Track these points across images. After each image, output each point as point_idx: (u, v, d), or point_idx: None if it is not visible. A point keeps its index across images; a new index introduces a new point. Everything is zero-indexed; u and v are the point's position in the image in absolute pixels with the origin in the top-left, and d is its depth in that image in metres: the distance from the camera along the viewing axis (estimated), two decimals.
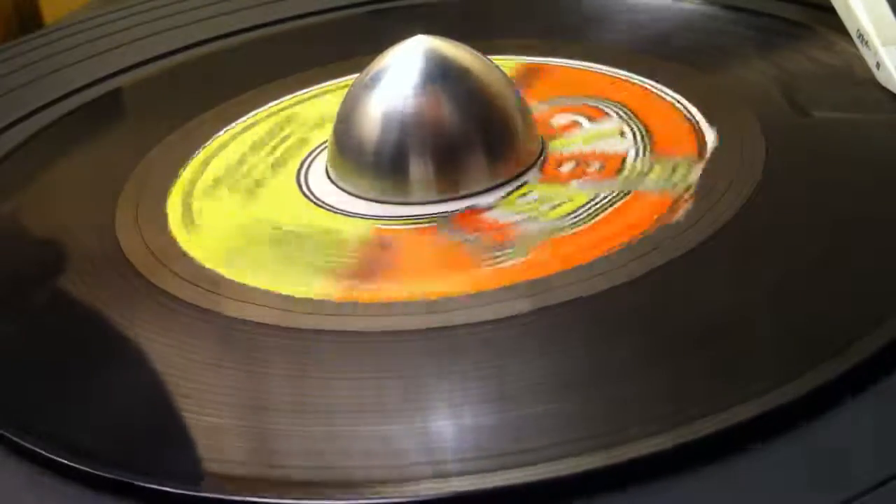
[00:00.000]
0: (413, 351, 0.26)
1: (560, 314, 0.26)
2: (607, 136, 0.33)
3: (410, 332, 0.27)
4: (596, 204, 0.30)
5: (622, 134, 0.33)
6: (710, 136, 0.32)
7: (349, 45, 0.42)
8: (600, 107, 0.35)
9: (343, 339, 0.27)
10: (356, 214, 0.32)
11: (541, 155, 0.33)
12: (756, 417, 0.22)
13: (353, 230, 0.31)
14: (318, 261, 0.30)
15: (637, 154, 0.32)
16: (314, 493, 0.22)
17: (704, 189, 0.30)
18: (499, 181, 0.32)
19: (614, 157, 0.32)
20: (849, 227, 0.28)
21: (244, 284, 0.29)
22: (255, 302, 0.28)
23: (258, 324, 0.27)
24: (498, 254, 0.29)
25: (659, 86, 0.36)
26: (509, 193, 0.31)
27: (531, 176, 0.32)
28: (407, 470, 0.23)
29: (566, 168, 0.32)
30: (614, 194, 0.31)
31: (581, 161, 0.32)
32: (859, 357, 0.23)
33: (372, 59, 0.33)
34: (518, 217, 0.30)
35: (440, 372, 0.25)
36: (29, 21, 0.64)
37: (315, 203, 0.33)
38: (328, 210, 0.32)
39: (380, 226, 0.31)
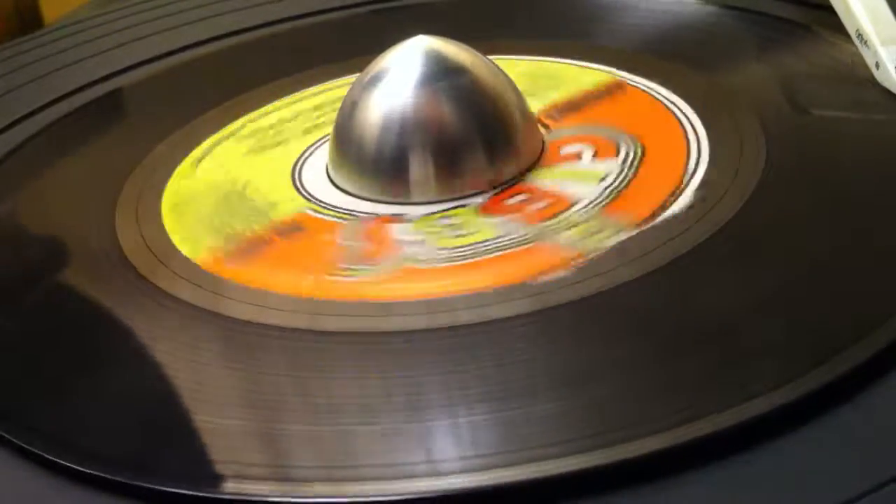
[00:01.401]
0: (413, 351, 0.26)
1: (560, 314, 0.26)
2: (586, 178, 0.32)
3: (410, 332, 0.27)
4: (491, 245, 0.29)
5: (602, 179, 0.31)
6: (688, 193, 0.30)
7: (349, 45, 0.42)
8: (618, 142, 0.33)
9: (343, 339, 0.27)
10: (306, 194, 0.33)
11: (518, 177, 0.32)
12: (756, 417, 0.22)
13: (285, 208, 0.32)
14: (230, 227, 0.31)
15: (588, 204, 0.30)
16: (315, 492, 0.22)
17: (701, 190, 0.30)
18: (493, 185, 0.32)
19: (564, 201, 0.31)
20: (849, 226, 0.28)
21: (245, 285, 0.29)
22: (255, 302, 0.28)
23: (259, 324, 0.27)
24: (353, 268, 0.29)
25: (659, 86, 0.36)
26: (438, 212, 0.31)
27: (479, 199, 0.31)
28: (407, 469, 0.23)
29: (514, 200, 0.31)
30: (516, 239, 0.29)
31: (533, 197, 0.31)
32: (859, 357, 0.23)
33: (372, 59, 0.33)
34: (412, 237, 0.30)
35: (440, 371, 0.25)
36: (29, 21, 0.64)
37: (292, 177, 0.34)
38: (295, 186, 0.33)
39: (307, 211, 0.32)
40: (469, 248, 0.29)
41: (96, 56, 0.46)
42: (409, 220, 0.31)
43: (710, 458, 0.22)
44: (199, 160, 0.36)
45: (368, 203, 0.32)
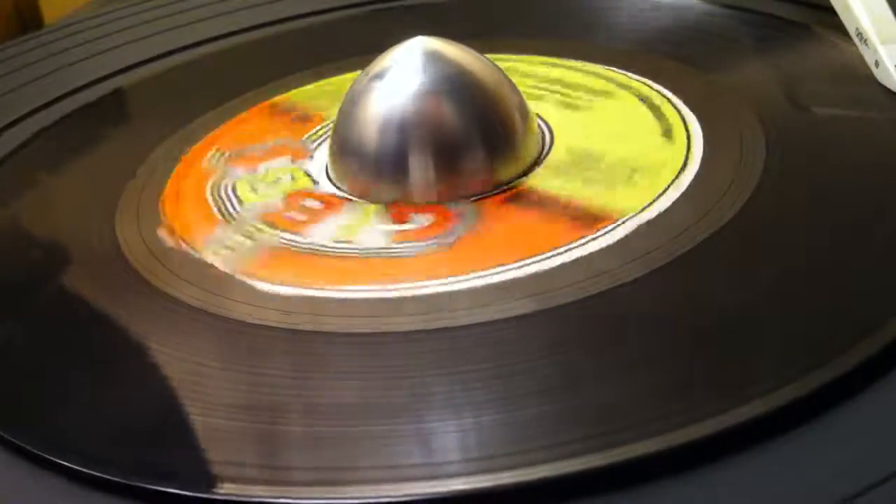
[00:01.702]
0: (413, 351, 0.26)
1: (560, 314, 0.26)
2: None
3: (411, 332, 0.27)
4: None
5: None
6: (687, 193, 0.30)
7: (349, 45, 0.42)
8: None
9: (343, 339, 0.27)
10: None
11: (515, 179, 0.32)
12: (756, 417, 0.22)
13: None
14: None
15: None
16: (315, 492, 0.22)
17: (701, 190, 0.30)
18: (492, 185, 0.32)
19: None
20: (849, 226, 0.28)
21: (246, 285, 0.29)
22: (256, 303, 0.28)
23: (260, 324, 0.27)
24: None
25: (659, 86, 0.36)
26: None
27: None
28: (407, 470, 0.23)
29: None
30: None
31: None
32: (859, 357, 0.23)
33: (372, 59, 0.33)
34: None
35: (441, 372, 0.25)
36: (29, 21, 0.64)
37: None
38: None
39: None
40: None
41: (96, 56, 0.46)
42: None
43: (709, 458, 0.22)
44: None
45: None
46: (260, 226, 0.32)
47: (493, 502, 0.22)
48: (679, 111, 0.34)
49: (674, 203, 0.30)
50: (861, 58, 0.35)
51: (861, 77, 0.35)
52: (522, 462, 0.22)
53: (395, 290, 0.28)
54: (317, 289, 0.28)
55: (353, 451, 0.23)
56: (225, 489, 0.23)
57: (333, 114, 0.34)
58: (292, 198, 0.33)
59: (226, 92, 0.40)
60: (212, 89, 0.41)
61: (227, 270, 0.30)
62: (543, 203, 0.31)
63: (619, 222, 0.29)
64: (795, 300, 0.26)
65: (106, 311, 0.29)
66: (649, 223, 0.29)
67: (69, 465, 0.24)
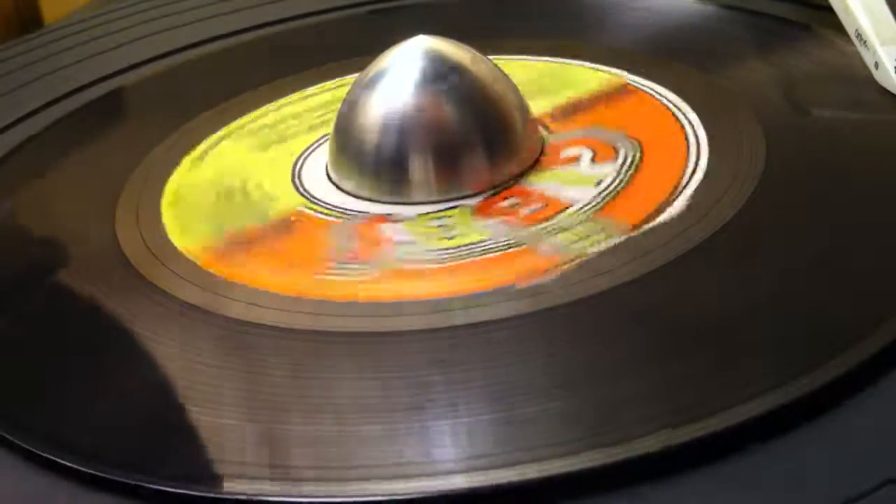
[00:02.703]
0: (413, 351, 0.26)
1: (559, 314, 0.26)
2: (582, 182, 0.32)
3: (411, 332, 0.27)
4: (480, 246, 0.29)
5: (598, 183, 0.31)
6: (687, 194, 0.30)
7: (349, 45, 0.42)
8: (617, 146, 0.33)
9: (343, 339, 0.27)
10: (303, 192, 0.33)
11: (517, 178, 0.32)
12: (756, 417, 0.22)
13: (283, 205, 0.32)
14: (230, 220, 0.32)
15: (582, 208, 0.30)
16: (314, 492, 0.22)
17: (701, 190, 0.30)
18: (492, 185, 0.32)
19: (558, 204, 0.31)
20: (849, 226, 0.28)
21: (246, 285, 0.29)
22: (255, 302, 0.28)
23: (259, 324, 0.27)
24: (347, 267, 0.29)
25: (659, 86, 0.36)
26: (433, 212, 0.31)
27: (473, 201, 0.31)
28: (406, 469, 0.23)
29: (506, 203, 0.31)
30: (506, 242, 0.29)
31: (525, 200, 0.31)
32: (859, 357, 0.23)
33: (372, 59, 0.34)
34: (404, 237, 0.30)
35: (440, 371, 0.25)
36: (29, 21, 0.64)
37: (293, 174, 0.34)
38: (294, 183, 0.34)
39: (304, 209, 0.32)
40: (456, 250, 0.29)
41: (96, 56, 0.46)
42: (401, 220, 0.31)
43: (709, 458, 0.22)
44: (202, 157, 0.36)
45: (367, 202, 0.32)
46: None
47: (493, 501, 0.22)
48: (679, 111, 0.34)
49: (674, 203, 0.30)
50: (861, 59, 0.35)
51: (860, 78, 0.35)
52: (522, 461, 0.22)
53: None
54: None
55: (352, 451, 0.23)
56: (225, 488, 0.23)
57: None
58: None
59: (225, 92, 0.40)
60: (211, 89, 0.41)
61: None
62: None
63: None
64: (795, 300, 0.26)
65: (105, 311, 0.29)
66: (649, 223, 0.29)
67: (68, 463, 0.24)
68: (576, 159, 0.33)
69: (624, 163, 0.32)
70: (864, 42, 0.35)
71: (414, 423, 0.24)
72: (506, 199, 0.31)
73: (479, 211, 0.31)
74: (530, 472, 0.22)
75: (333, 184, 0.33)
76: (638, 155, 0.32)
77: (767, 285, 0.27)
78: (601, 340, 0.26)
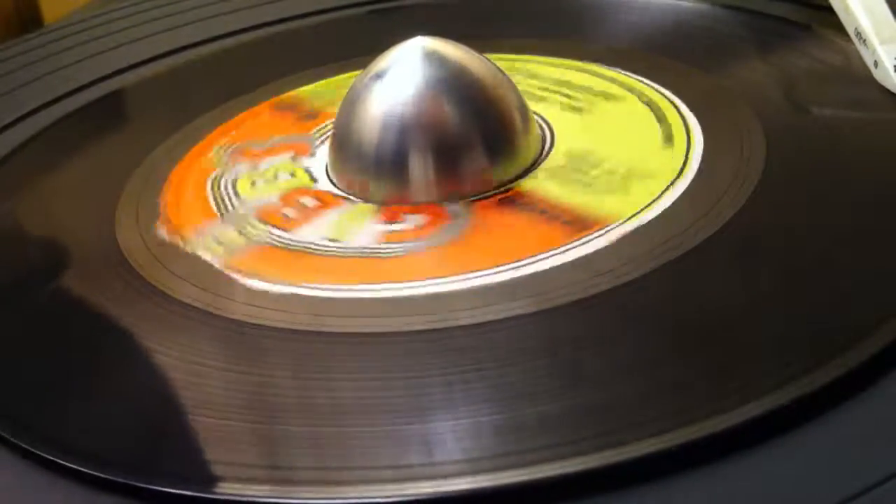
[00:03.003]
0: (413, 351, 0.26)
1: (560, 314, 0.26)
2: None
3: (411, 332, 0.27)
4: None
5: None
6: (687, 193, 0.30)
7: (349, 45, 0.42)
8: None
9: (343, 339, 0.27)
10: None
11: (514, 181, 0.32)
12: (756, 417, 0.22)
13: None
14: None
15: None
16: (315, 492, 0.22)
17: (701, 190, 0.30)
18: (494, 184, 0.32)
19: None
20: (849, 226, 0.28)
21: (245, 284, 0.29)
22: (255, 303, 0.28)
23: (259, 324, 0.27)
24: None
25: (659, 86, 0.36)
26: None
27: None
28: (406, 470, 0.23)
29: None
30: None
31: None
32: (859, 357, 0.23)
33: (372, 59, 0.34)
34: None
35: (440, 372, 0.25)
36: (29, 21, 0.64)
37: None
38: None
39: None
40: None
41: (96, 56, 0.46)
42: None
43: (709, 458, 0.22)
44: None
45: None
46: (253, 222, 0.32)
47: (493, 502, 0.22)
48: (679, 111, 0.34)
49: (674, 203, 0.30)
50: (860, 58, 0.35)
51: (860, 77, 0.35)
52: (522, 462, 0.22)
53: (378, 290, 0.28)
54: (300, 286, 0.29)
55: (352, 451, 0.23)
56: (225, 489, 0.23)
57: (334, 109, 0.35)
58: (290, 195, 0.33)
59: (226, 92, 0.40)
60: (212, 89, 0.41)
61: (218, 266, 0.30)
62: (536, 206, 0.31)
63: (608, 228, 0.29)
64: (795, 300, 0.26)
65: (105, 311, 0.29)
66: (649, 223, 0.29)
67: (68, 464, 0.24)
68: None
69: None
70: (864, 41, 0.35)
71: (414, 425, 0.24)
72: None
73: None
74: (531, 473, 0.22)
75: (334, 183, 0.33)
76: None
77: (767, 285, 0.27)
78: (601, 341, 0.26)
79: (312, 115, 0.38)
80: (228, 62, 0.44)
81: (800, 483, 0.21)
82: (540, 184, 0.32)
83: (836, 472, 0.21)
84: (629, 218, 0.29)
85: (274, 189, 0.33)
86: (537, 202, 0.31)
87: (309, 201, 0.32)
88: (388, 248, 0.30)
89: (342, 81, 0.39)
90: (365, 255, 0.30)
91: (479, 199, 0.31)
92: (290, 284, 0.29)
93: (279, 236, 0.31)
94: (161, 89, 0.43)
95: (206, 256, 0.30)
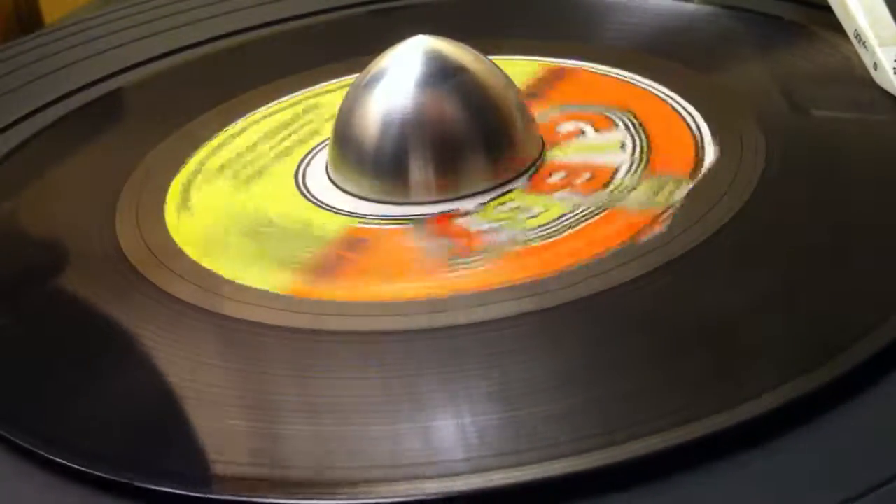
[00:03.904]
0: (414, 351, 0.26)
1: (560, 314, 0.26)
2: (606, 148, 0.33)
3: (411, 332, 0.27)
4: (572, 217, 0.30)
5: (622, 146, 0.33)
6: (710, 155, 0.32)
7: (349, 45, 0.42)
8: (609, 115, 0.35)
9: (343, 339, 0.27)
10: (338, 210, 0.32)
11: (539, 159, 0.33)
12: (756, 417, 0.22)
13: (330, 226, 0.31)
14: (283, 254, 0.30)
15: (630, 169, 0.32)
16: (315, 493, 0.22)
17: (698, 195, 0.30)
18: (495, 183, 0.32)
19: (605, 169, 0.32)
20: (848, 226, 0.28)
21: (244, 284, 0.29)
22: (255, 302, 0.28)
23: (259, 323, 0.27)
24: (460, 261, 0.29)
25: (659, 86, 0.36)
26: (492, 199, 0.31)
27: (520, 183, 0.32)
28: (406, 470, 0.23)
29: (555, 178, 0.32)
30: (589, 210, 0.30)
31: (571, 171, 0.32)
32: (859, 357, 0.23)
33: (372, 59, 0.34)
34: (489, 225, 0.30)
35: (441, 372, 0.25)
36: (29, 21, 0.64)
37: (303, 195, 0.33)
38: (313, 203, 0.33)
39: (358, 224, 0.31)
40: (553, 223, 0.30)
41: (96, 56, 0.46)
42: (470, 213, 0.31)
43: (709, 458, 0.22)
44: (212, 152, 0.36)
45: (382, 205, 0.32)
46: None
47: (493, 502, 0.22)
48: (679, 111, 0.34)
49: (674, 203, 0.30)
50: (860, 59, 0.35)
51: (860, 78, 0.35)
52: (522, 462, 0.22)
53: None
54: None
55: (352, 451, 0.23)
56: (225, 489, 0.23)
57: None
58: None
59: (226, 92, 0.40)
60: (212, 89, 0.41)
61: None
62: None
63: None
64: (795, 300, 0.26)
65: (105, 311, 0.29)
66: (703, 170, 0.29)
67: (68, 463, 0.24)
68: (579, 132, 0.34)
69: (629, 129, 0.33)
70: (863, 43, 0.35)
71: (415, 424, 0.24)
72: (551, 174, 0.32)
73: (535, 188, 0.32)
74: (531, 473, 0.22)
75: (334, 183, 0.33)
76: (637, 123, 0.33)
77: (767, 285, 0.27)
78: (601, 340, 0.26)
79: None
80: (228, 62, 0.44)
81: (800, 483, 0.21)
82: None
83: (836, 472, 0.21)
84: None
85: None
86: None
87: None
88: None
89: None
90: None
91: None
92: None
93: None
94: (161, 89, 0.43)
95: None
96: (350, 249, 0.30)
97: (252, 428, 0.24)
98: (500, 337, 0.26)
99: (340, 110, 0.34)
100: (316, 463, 0.23)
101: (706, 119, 0.34)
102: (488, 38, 0.39)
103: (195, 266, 0.30)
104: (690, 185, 0.30)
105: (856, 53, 0.35)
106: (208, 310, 0.28)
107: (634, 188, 0.31)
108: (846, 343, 0.24)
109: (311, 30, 0.46)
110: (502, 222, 0.30)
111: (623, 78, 0.37)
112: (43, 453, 0.24)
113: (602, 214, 0.30)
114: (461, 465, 0.23)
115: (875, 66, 0.34)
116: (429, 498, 0.22)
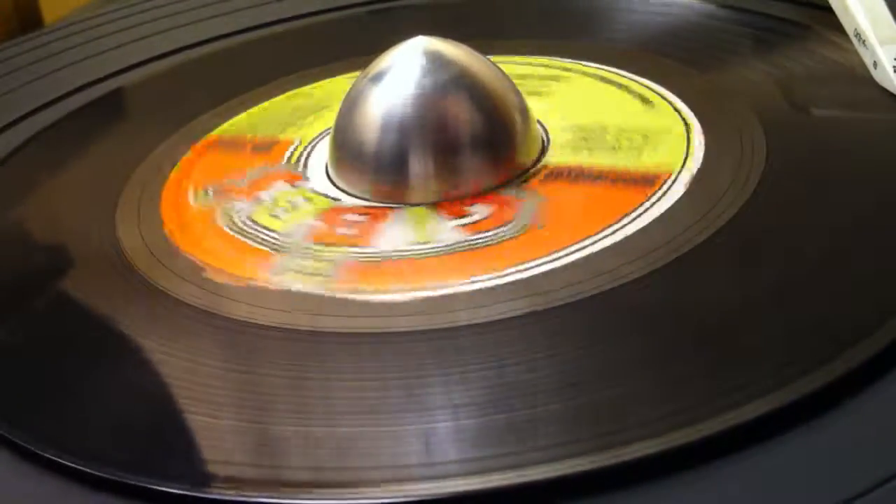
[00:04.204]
0: (413, 351, 0.26)
1: (560, 314, 0.26)
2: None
3: (411, 332, 0.27)
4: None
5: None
6: (710, 155, 0.32)
7: (349, 45, 0.42)
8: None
9: (343, 339, 0.27)
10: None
11: (539, 159, 0.33)
12: (756, 417, 0.22)
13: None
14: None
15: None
16: (314, 493, 0.22)
17: (701, 190, 0.30)
18: (495, 183, 0.32)
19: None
20: (848, 226, 0.28)
21: (244, 284, 0.29)
22: (255, 302, 0.28)
23: (259, 324, 0.27)
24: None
25: (659, 86, 0.36)
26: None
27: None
28: (406, 470, 0.23)
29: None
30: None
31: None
32: (859, 357, 0.23)
33: (372, 59, 0.34)
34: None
35: (440, 372, 0.25)
36: (29, 21, 0.64)
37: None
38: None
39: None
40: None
41: (96, 56, 0.46)
42: None
43: (709, 458, 0.22)
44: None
45: (379, 204, 0.32)
46: (317, 247, 0.30)
47: (493, 502, 0.22)
48: (679, 111, 0.34)
49: (674, 203, 0.30)
50: (860, 58, 0.35)
51: (860, 78, 0.35)
52: (522, 462, 0.22)
53: (502, 276, 0.28)
54: (432, 290, 0.28)
55: (352, 451, 0.23)
56: (224, 489, 0.23)
57: (290, 135, 0.35)
58: (329, 215, 0.32)
59: (225, 92, 0.40)
60: (211, 89, 0.41)
61: (324, 292, 0.28)
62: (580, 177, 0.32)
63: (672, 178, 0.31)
64: (795, 300, 0.26)
65: (106, 311, 0.29)
66: (649, 224, 0.29)
67: (69, 464, 0.24)
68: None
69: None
70: (863, 42, 0.35)
71: (414, 425, 0.24)
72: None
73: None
74: (530, 474, 0.22)
75: (334, 185, 0.33)
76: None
77: (768, 285, 0.27)
78: (601, 340, 0.26)
79: (267, 146, 0.36)
80: (228, 62, 0.44)
81: (800, 483, 0.21)
82: (563, 159, 0.32)
83: (836, 472, 0.21)
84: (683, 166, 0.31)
85: (303, 215, 0.32)
86: (585, 171, 0.32)
87: (355, 217, 0.31)
88: (479, 238, 0.30)
89: (280, 103, 0.39)
90: (464, 249, 0.29)
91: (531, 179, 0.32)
92: (419, 290, 0.28)
93: (360, 252, 0.30)
94: (161, 89, 0.43)
95: (303, 288, 0.29)
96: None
97: (252, 428, 0.24)
98: (500, 337, 0.26)
99: (341, 111, 0.34)
100: (314, 463, 0.23)
101: (706, 119, 0.34)
102: (488, 38, 0.39)
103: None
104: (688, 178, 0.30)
105: (856, 52, 0.36)
106: (208, 310, 0.28)
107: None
108: (846, 343, 0.24)
109: (311, 30, 0.46)
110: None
111: (623, 78, 0.37)
112: (43, 453, 0.24)
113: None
114: (459, 465, 0.23)
115: (875, 64, 0.34)
116: (427, 499, 0.22)
